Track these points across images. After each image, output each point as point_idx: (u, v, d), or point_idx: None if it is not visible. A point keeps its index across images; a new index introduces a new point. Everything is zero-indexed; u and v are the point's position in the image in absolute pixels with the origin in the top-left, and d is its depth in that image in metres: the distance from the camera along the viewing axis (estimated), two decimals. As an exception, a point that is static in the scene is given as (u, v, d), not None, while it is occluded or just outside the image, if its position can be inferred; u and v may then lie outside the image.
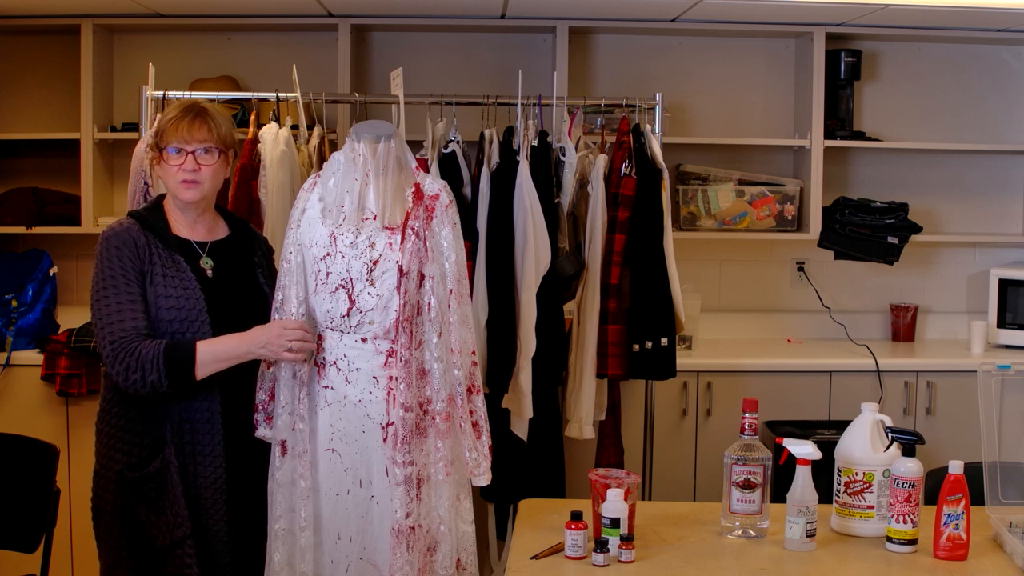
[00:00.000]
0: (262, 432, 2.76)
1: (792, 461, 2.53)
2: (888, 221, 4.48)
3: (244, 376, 2.73)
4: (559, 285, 3.64)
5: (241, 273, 2.80)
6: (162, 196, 2.81)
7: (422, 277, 2.69)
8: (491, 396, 3.42)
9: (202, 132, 2.70)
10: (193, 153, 2.69)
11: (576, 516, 2.44)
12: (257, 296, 2.80)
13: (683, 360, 3.97)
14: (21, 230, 4.36)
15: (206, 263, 2.74)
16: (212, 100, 4.00)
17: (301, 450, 2.72)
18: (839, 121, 4.56)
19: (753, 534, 2.57)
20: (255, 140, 3.51)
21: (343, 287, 2.69)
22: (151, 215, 2.74)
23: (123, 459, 2.67)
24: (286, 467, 2.74)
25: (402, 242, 2.68)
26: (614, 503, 2.43)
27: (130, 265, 2.64)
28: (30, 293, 4.37)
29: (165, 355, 2.56)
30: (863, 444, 2.59)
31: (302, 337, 2.65)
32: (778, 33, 4.59)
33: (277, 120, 3.61)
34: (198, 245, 2.76)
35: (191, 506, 2.67)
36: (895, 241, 4.47)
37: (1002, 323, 4.50)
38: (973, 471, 2.52)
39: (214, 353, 2.62)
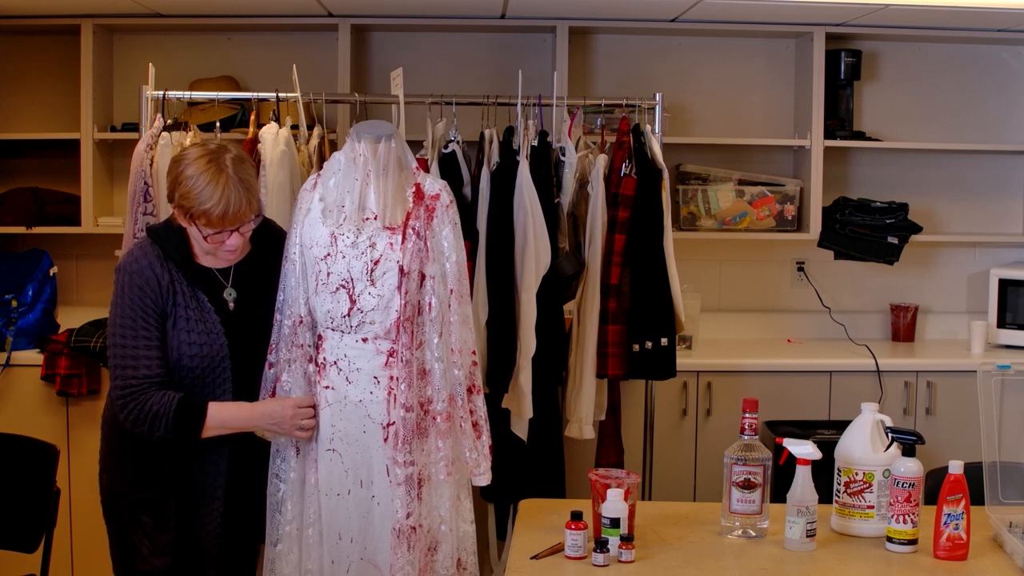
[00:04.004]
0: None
1: (792, 461, 2.53)
2: (888, 221, 4.48)
3: None
4: (559, 285, 3.63)
5: (263, 296, 2.74)
6: None
7: (423, 277, 2.69)
8: (491, 396, 3.42)
9: (245, 214, 2.58)
10: (237, 229, 2.59)
11: (576, 516, 2.44)
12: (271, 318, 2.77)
13: (683, 360, 3.97)
14: (21, 230, 4.36)
15: (229, 295, 2.68)
16: (212, 100, 4.05)
17: (308, 449, 2.74)
18: (839, 121, 4.55)
19: (753, 534, 2.57)
20: (255, 140, 3.51)
21: (344, 287, 2.69)
22: (173, 242, 2.63)
23: (128, 476, 2.67)
24: (299, 467, 2.75)
25: (403, 242, 2.68)
26: (614, 503, 2.43)
27: (151, 306, 2.57)
28: (30, 293, 4.37)
29: (176, 414, 2.54)
30: (863, 444, 2.59)
31: (313, 415, 2.68)
32: (778, 33, 4.59)
33: (277, 120, 3.61)
34: (221, 273, 2.69)
35: (183, 537, 2.66)
36: (895, 241, 4.47)
37: (1002, 323, 4.50)
38: (973, 471, 2.52)
39: (223, 420, 2.61)
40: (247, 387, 2.71)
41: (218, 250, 2.62)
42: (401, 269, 2.66)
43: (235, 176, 2.54)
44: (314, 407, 2.70)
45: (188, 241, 2.65)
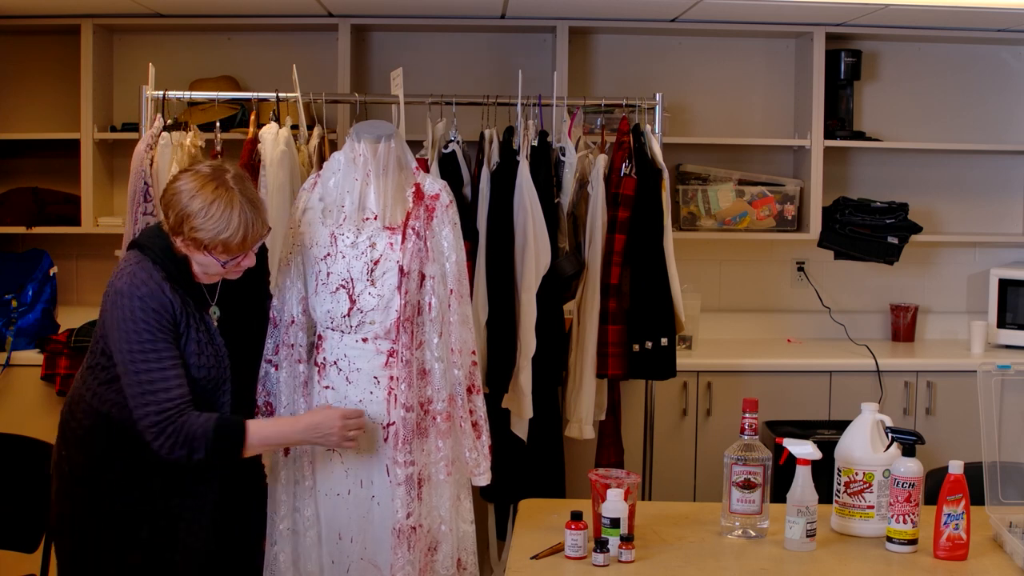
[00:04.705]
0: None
1: (792, 461, 2.53)
2: (888, 221, 4.48)
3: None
4: (559, 285, 3.63)
5: (247, 312, 2.70)
6: None
7: (423, 277, 2.69)
8: (491, 396, 3.42)
9: (260, 233, 2.50)
10: (252, 248, 2.53)
11: (576, 516, 2.44)
12: (260, 329, 2.75)
13: (683, 360, 3.97)
14: (21, 230, 4.36)
15: (214, 313, 2.60)
16: (212, 100, 4.05)
17: (302, 450, 2.73)
18: (839, 121, 4.56)
19: (753, 534, 2.57)
20: (255, 140, 3.51)
21: (344, 287, 2.69)
22: (176, 265, 2.52)
23: (113, 487, 2.55)
24: (289, 467, 2.74)
25: (403, 242, 2.68)
26: (614, 503, 2.43)
27: (168, 327, 2.46)
28: (30, 293, 4.37)
29: (215, 434, 2.43)
30: (863, 444, 2.59)
31: (360, 425, 2.59)
32: (778, 33, 4.59)
33: (277, 120, 3.60)
34: (208, 290, 2.60)
35: (162, 563, 2.58)
36: (895, 241, 4.47)
37: (1002, 323, 4.50)
38: (973, 471, 2.52)
39: (265, 438, 2.53)
40: (243, 407, 2.66)
41: (231, 271, 2.55)
42: (401, 269, 2.66)
43: (244, 198, 2.45)
44: (361, 417, 2.61)
45: (187, 259, 2.54)
